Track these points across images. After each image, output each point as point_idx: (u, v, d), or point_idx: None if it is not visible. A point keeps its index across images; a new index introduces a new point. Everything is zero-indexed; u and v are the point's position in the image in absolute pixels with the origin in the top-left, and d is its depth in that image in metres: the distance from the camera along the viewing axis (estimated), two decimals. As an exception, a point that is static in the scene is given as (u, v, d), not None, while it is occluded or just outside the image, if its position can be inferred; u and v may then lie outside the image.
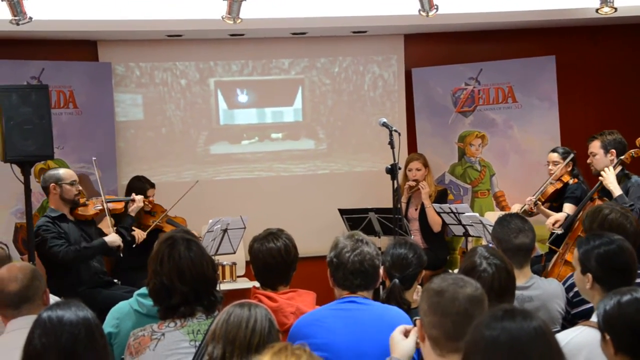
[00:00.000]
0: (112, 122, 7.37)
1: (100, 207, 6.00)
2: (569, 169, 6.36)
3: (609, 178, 5.69)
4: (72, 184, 5.83)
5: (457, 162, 7.92)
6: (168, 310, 3.12)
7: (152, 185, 6.73)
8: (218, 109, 7.83)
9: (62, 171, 5.93)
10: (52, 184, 5.80)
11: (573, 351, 3.01)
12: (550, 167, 6.41)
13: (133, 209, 6.22)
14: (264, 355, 1.87)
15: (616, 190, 5.60)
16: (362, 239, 3.19)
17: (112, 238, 5.82)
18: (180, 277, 3.07)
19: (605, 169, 5.76)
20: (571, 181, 6.31)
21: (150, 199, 6.60)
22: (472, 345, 2.03)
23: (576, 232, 5.48)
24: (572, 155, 6.35)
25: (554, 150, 6.49)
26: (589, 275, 3.23)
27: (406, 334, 2.68)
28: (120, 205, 6.25)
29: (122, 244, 5.86)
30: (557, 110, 7.72)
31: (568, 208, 6.17)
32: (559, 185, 6.32)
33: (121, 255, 5.87)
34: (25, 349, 2.53)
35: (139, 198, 6.29)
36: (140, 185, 6.67)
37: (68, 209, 5.86)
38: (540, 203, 6.25)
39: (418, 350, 2.59)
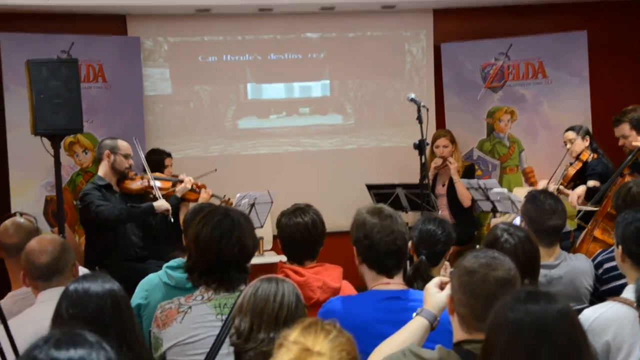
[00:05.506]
0: (141, 97, 7.40)
1: (147, 184, 5.96)
2: (587, 144, 6.27)
3: None
4: (126, 156, 5.83)
5: (485, 137, 7.88)
6: (187, 270, 3.16)
7: (169, 155, 6.69)
8: (246, 84, 7.83)
9: (120, 142, 5.91)
10: (107, 151, 5.79)
11: (602, 326, 3.00)
12: (568, 146, 6.34)
13: (180, 190, 6.07)
14: (294, 329, 1.88)
15: None
16: (390, 215, 3.04)
17: (160, 202, 5.76)
18: (197, 244, 3.09)
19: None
20: (590, 157, 6.22)
21: (169, 168, 6.57)
22: (495, 327, 2.01)
23: (605, 209, 5.41)
24: (586, 129, 6.25)
25: (568, 129, 6.42)
26: (620, 248, 3.23)
27: (442, 286, 2.65)
28: (167, 185, 6.14)
29: (170, 208, 5.79)
30: (587, 86, 7.63)
31: (592, 184, 6.09)
32: (578, 165, 6.23)
33: (172, 220, 5.79)
34: (53, 320, 2.57)
35: (187, 179, 6.13)
36: (157, 157, 6.59)
37: (115, 180, 5.85)
38: (563, 187, 6.15)
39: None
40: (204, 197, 6.16)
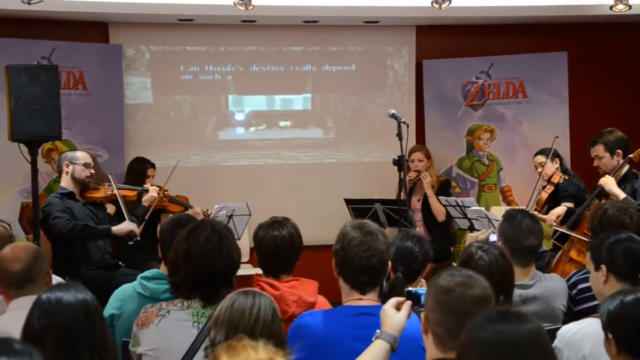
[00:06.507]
0: (121, 105, 7.37)
1: (111, 193, 5.98)
2: (557, 166, 6.33)
3: (610, 183, 5.64)
4: (85, 165, 5.85)
5: (465, 155, 7.91)
6: (173, 285, 3.16)
7: (152, 166, 6.69)
8: (227, 95, 7.82)
9: (78, 153, 5.99)
10: (66, 162, 5.82)
11: (580, 340, 3.05)
12: (538, 170, 6.38)
13: (147, 199, 6.13)
14: (219, 355, 1.85)
15: (620, 194, 5.55)
16: (372, 231, 3.03)
17: (121, 226, 5.75)
18: (186, 260, 3.08)
19: (605, 177, 5.70)
20: (561, 180, 6.26)
21: (150, 178, 6.55)
22: (466, 346, 2.03)
23: (581, 230, 5.45)
24: (555, 151, 6.31)
25: (537, 153, 6.46)
26: (603, 268, 3.23)
27: (398, 306, 2.65)
28: (133, 194, 6.20)
29: (136, 229, 5.77)
30: (567, 107, 7.69)
31: (567, 206, 6.14)
32: (550, 189, 6.26)
33: (138, 238, 5.81)
34: (24, 329, 2.54)
35: (153, 188, 6.20)
36: (140, 166, 6.64)
37: (78, 189, 5.87)
38: (537, 213, 6.15)
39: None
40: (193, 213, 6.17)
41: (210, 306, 3.02)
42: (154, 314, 3.08)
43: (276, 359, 1.80)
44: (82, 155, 5.92)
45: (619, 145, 5.83)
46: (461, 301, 2.32)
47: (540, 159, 6.40)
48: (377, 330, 2.63)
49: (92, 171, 5.92)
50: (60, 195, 5.75)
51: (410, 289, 2.71)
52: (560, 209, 6.02)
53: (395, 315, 2.63)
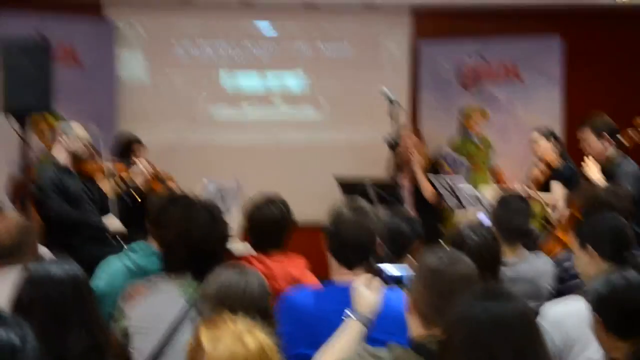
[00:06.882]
0: (114, 80, 7.34)
1: (103, 167, 5.98)
2: (555, 149, 6.32)
3: (588, 169, 5.64)
4: (80, 137, 5.83)
5: (457, 136, 7.91)
6: (166, 264, 3.18)
7: (138, 141, 6.63)
8: (221, 73, 7.80)
9: (73, 123, 5.95)
10: (60, 132, 5.81)
11: (563, 320, 3.06)
12: (534, 146, 6.39)
13: (135, 174, 6.11)
14: (200, 333, 1.86)
15: (597, 181, 5.54)
16: (363, 209, 3.02)
17: (113, 226, 5.79)
18: (183, 241, 3.11)
19: (586, 159, 5.69)
20: (560, 166, 6.27)
21: (137, 152, 6.54)
22: (453, 324, 2.03)
23: (570, 210, 5.46)
24: (552, 132, 6.31)
25: (536, 130, 6.47)
26: (589, 247, 3.24)
27: (369, 285, 2.65)
28: (124, 168, 6.21)
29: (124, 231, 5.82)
30: (560, 90, 7.70)
31: (556, 186, 6.14)
32: (546, 171, 6.27)
33: (118, 241, 5.82)
34: (14, 304, 2.53)
35: (139, 160, 6.19)
36: (124, 141, 6.63)
37: (71, 161, 5.86)
38: (533, 192, 6.14)
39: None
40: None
41: (199, 278, 3.03)
42: (142, 286, 3.10)
43: (254, 332, 1.81)
44: (77, 127, 5.91)
45: (605, 129, 5.82)
46: (447, 279, 2.33)
47: (535, 136, 6.40)
48: (348, 311, 2.62)
49: (86, 143, 5.91)
50: (55, 169, 5.73)
51: (382, 267, 2.71)
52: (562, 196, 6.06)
53: (368, 296, 2.62)
